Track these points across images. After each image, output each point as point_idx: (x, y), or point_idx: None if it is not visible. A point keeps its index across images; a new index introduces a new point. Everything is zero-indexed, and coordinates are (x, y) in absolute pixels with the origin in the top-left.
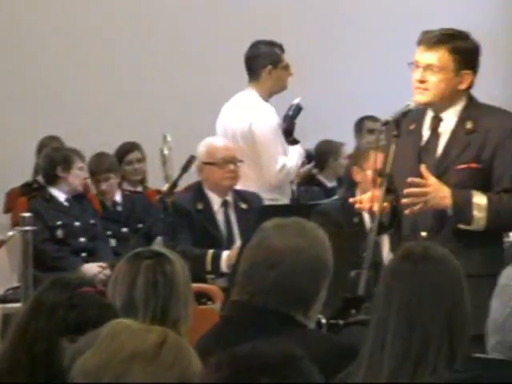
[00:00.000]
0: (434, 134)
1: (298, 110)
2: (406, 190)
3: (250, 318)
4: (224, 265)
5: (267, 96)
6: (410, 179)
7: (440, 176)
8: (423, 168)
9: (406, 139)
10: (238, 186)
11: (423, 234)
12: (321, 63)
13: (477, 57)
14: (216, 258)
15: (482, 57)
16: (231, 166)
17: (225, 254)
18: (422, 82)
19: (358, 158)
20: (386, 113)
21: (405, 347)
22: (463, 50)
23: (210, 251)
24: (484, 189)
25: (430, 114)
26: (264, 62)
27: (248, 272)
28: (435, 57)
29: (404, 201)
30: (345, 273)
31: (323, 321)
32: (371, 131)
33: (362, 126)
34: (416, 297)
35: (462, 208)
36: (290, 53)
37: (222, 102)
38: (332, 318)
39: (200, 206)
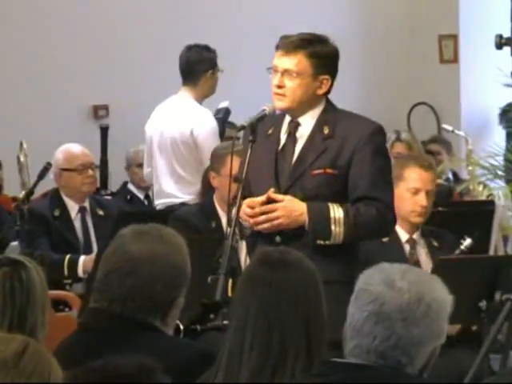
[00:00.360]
0: (291, 138)
1: (227, 113)
2: (256, 211)
3: (107, 326)
4: (81, 270)
5: (201, 100)
6: (256, 209)
7: (295, 181)
8: (271, 192)
9: (263, 144)
10: (182, 194)
11: (277, 238)
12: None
13: (335, 61)
14: (73, 264)
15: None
16: (89, 172)
17: (81, 259)
18: (279, 87)
19: (214, 162)
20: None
21: (263, 352)
22: (321, 55)
23: (68, 256)
24: (340, 195)
25: (288, 119)
26: (206, 67)
27: (105, 279)
28: (293, 62)
29: (252, 222)
30: (202, 278)
31: (181, 327)
32: (230, 139)
33: (223, 129)
34: (274, 302)
35: (320, 224)
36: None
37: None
38: (190, 323)
39: (57, 213)
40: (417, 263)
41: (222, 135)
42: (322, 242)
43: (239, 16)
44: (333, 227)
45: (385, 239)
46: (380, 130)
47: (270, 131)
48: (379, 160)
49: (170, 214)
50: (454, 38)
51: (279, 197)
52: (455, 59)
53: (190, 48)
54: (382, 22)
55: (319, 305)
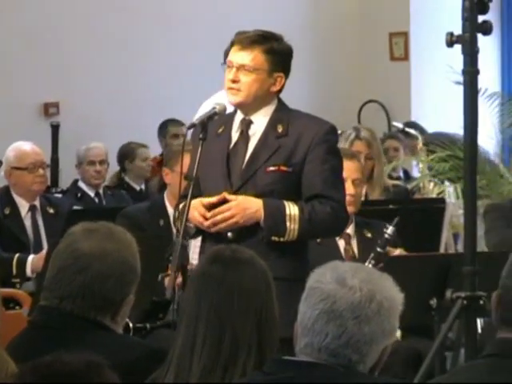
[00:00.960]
0: (244, 136)
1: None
2: (209, 214)
3: (58, 323)
4: (29, 269)
5: None
6: (211, 212)
7: (248, 179)
8: (225, 193)
9: (213, 143)
10: None
11: (229, 234)
12: (115, 63)
13: (289, 60)
14: (22, 263)
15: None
16: (40, 171)
17: (30, 258)
18: (234, 81)
19: (168, 159)
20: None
21: (214, 350)
22: (277, 52)
23: (16, 255)
24: (293, 192)
25: (239, 117)
26: None
27: (55, 277)
28: (249, 57)
29: (207, 223)
30: (152, 276)
31: (130, 325)
32: (175, 136)
33: (165, 129)
34: (225, 300)
35: (276, 220)
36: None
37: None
38: (139, 321)
39: (7, 211)
40: (353, 258)
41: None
42: (276, 239)
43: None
44: (288, 224)
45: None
46: (333, 129)
47: (220, 130)
48: (332, 159)
49: (119, 212)
50: (405, 35)
51: (233, 197)
52: (406, 57)
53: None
54: (331, 19)
55: (270, 303)
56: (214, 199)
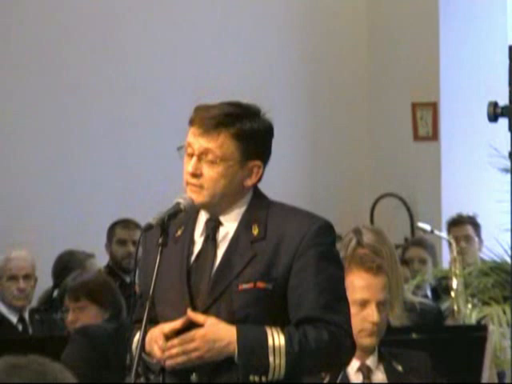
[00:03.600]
0: (210, 242)
1: None
2: (168, 344)
3: None
4: None
5: None
6: (171, 342)
7: (217, 299)
8: (190, 313)
9: (171, 249)
10: None
11: (193, 377)
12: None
13: (268, 141)
14: None
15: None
16: None
17: None
18: (195, 175)
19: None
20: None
21: None
22: (251, 135)
23: None
24: (276, 315)
25: (204, 216)
26: None
27: None
28: (214, 144)
29: (164, 355)
30: None
31: None
32: (122, 242)
33: (112, 233)
34: None
35: (255, 355)
36: None
37: None
38: None
39: None
40: None
41: None
42: (257, 379)
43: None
44: (271, 359)
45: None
46: (327, 227)
47: (178, 232)
48: (328, 267)
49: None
50: (433, 106)
51: (200, 318)
52: (434, 135)
53: None
54: (336, 81)
55: None
56: (177, 323)
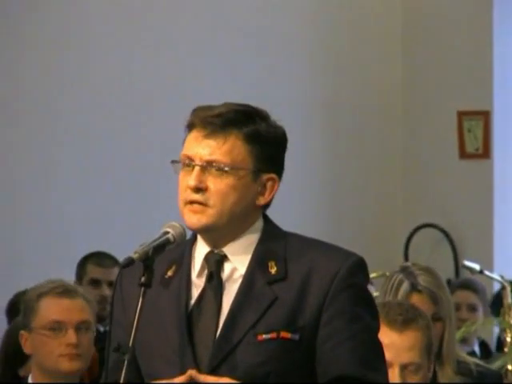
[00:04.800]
0: (214, 282)
1: None
2: None
3: None
4: None
5: None
6: None
7: (229, 354)
8: (194, 373)
9: (160, 294)
10: None
11: None
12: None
13: (283, 151)
14: None
15: None
16: None
17: None
18: (199, 189)
19: (23, 314)
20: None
21: None
22: (266, 139)
23: None
24: (301, 371)
25: (202, 250)
26: None
27: None
28: (222, 148)
29: None
30: None
31: None
32: (96, 282)
33: (84, 270)
34: None
35: None
36: None
37: None
38: None
39: None
40: None
41: None
42: None
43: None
44: None
45: None
46: (362, 264)
47: (169, 273)
48: (364, 316)
49: None
50: (485, 116)
51: (210, 379)
52: (486, 152)
53: None
54: (364, 89)
55: None
56: (178, 381)
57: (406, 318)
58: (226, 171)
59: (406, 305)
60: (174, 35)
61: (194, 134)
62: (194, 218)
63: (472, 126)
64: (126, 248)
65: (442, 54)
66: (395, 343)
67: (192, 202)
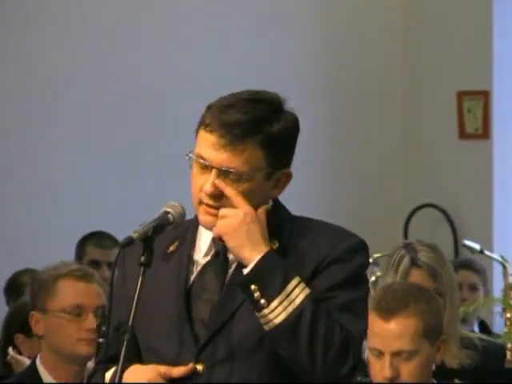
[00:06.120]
0: (218, 261)
1: None
2: None
3: None
4: None
5: None
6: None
7: (225, 323)
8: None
9: (160, 268)
10: None
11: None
12: None
13: (295, 140)
14: None
15: None
16: None
17: None
18: (215, 197)
19: (35, 295)
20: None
21: None
22: (279, 138)
23: None
24: None
25: (207, 232)
26: None
27: None
28: (240, 158)
29: None
30: None
31: None
32: (96, 263)
33: (81, 250)
34: None
35: (269, 278)
36: None
37: None
38: None
39: None
40: None
41: None
42: (256, 294)
43: None
44: (289, 286)
45: None
46: (362, 246)
47: (171, 248)
48: (353, 291)
49: None
50: (484, 96)
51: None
52: (485, 132)
53: None
54: (365, 70)
55: None
56: (178, 371)
57: (394, 306)
58: (242, 180)
59: (399, 291)
60: (173, 19)
61: (212, 140)
62: (208, 218)
63: (472, 106)
64: (125, 228)
65: (442, 34)
66: (384, 331)
67: (209, 207)
